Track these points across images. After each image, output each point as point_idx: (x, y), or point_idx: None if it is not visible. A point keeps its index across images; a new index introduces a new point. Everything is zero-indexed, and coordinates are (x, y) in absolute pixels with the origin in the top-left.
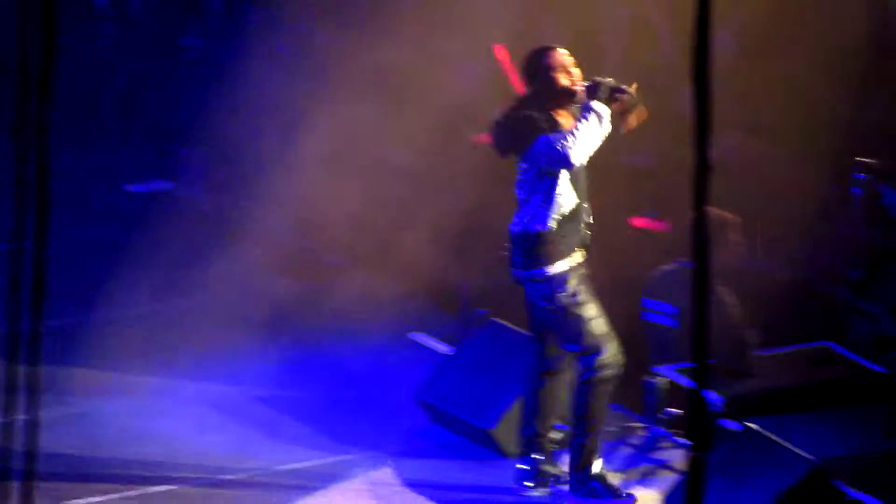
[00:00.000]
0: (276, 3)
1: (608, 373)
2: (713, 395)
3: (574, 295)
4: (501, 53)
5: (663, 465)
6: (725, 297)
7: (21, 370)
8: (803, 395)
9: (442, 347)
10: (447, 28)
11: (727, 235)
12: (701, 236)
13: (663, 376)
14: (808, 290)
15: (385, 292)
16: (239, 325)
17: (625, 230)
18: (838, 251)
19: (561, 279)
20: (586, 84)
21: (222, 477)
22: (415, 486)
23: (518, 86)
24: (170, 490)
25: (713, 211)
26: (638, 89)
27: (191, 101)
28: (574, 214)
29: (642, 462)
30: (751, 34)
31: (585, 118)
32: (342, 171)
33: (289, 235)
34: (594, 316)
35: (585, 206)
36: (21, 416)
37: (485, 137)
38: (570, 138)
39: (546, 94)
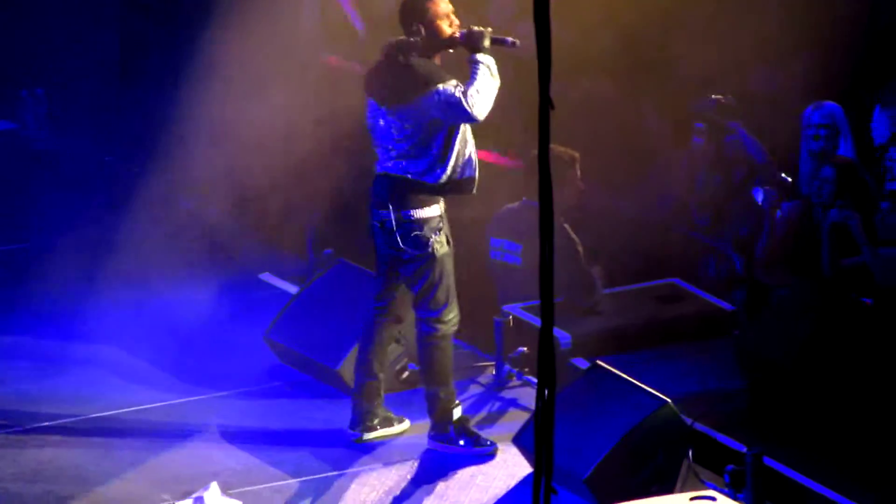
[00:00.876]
0: None
1: (452, 329)
2: (561, 333)
3: (440, 244)
4: None
5: (513, 403)
6: (571, 234)
7: None
8: (651, 332)
9: (291, 288)
10: None
11: (567, 172)
12: (546, 174)
13: (511, 314)
14: (655, 227)
15: (237, 235)
16: (86, 267)
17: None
18: (682, 190)
19: (434, 226)
20: (466, 33)
21: (71, 419)
22: (264, 425)
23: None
24: (32, 428)
25: (556, 148)
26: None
27: (32, 41)
28: (467, 165)
29: (492, 401)
30: None
31: (477, 70)
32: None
33: (144, 178)
34: (450, 271)
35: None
36: None
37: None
38: (472, 93)
39: (428, 43)
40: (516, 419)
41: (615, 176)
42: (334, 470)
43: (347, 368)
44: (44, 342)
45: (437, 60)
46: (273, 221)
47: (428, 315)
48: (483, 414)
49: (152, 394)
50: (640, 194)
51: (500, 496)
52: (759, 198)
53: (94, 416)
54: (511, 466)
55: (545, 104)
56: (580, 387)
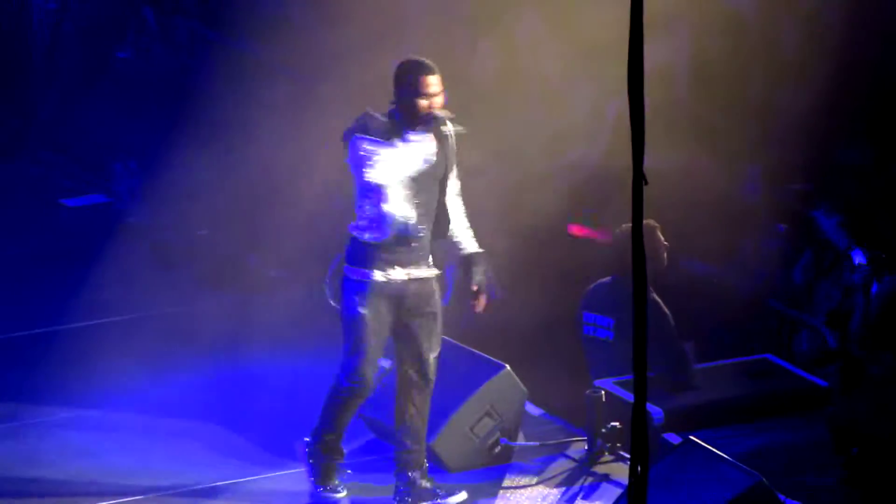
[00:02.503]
0: (209, 20)
1: (355, 387)
2: (653, 408)
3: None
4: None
5: (605, 479)
6: (663, 308)
7: None
8: (743, 408)
9: (384, 361)
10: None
11: (654, 240)
12: (639, 249)
13: (603, 389)
14: (748, 300)
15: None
16: (177, 339)
17: (563, 239)
18: (774, 264)
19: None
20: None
21: (162, 493)
22: (358, 500)
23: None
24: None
25: (647, 222)
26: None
27: (126, 114)
28: (403, 229)
29: (584, 475)
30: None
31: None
32: (280, 187)
33: (228, 249)
34: (361, 334)
35: (415, 222)
36: None
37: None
38: (373, 150)
39: (404, 114)
40: (609, 494)
41: (709, 245)
42: None
43: (441, 443)
44: (134, 416)
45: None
46: None
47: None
48: (575, 488)
49: (245, 468)
50: (733, 266)
51: None
52: (854, 274)
53: (185, 489)
54: None
55: (638, 179)
56: (672, 462)
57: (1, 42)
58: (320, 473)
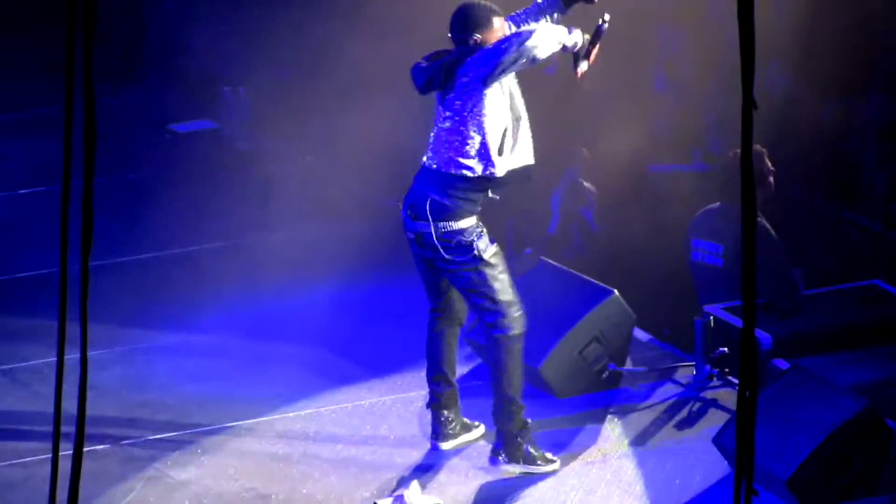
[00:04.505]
0: None
1: (518, 328)
2: (762, 334)
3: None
4: None
5: (713, 404)
6: (773, 234)
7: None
8: (852, 334)
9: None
10: None
11: (762, 168)
12: (748, 175)
13: (712, 315)
14: (849, 224)
15: None
16: (286, 264)
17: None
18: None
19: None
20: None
21: (268, 418)
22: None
23: None
24: (229, 427)
25: (755, 147)
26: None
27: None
28: (519, 162)
29: (692, 401)
30: None
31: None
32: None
33: (335, 177)
34: (500, 272)
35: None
36: (72, 355)
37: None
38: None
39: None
40: (716, 419)
41: (811, 172)
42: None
43: (549, 367)
44: (240, 341)
45: None
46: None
47: (492, 319)
48: (683, 414)
49: (351, 393)
50: (838, 189)
51: (699, 495)
52: None
53: (292, 414)
54: (711, 466)
55: (748, 104)
56: (780, 388)
57: None
58: (531, 444)
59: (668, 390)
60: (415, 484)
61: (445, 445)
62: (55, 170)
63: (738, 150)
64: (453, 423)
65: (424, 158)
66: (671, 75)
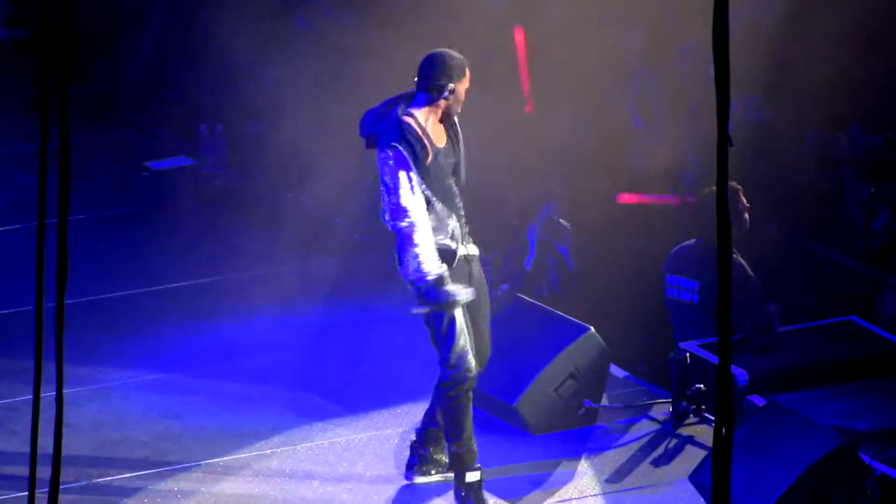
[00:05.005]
0: None
1: (466, 379)
2: (738, 371)
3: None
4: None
5: (689, 441)
6: (748, 271)
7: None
8: (828, 370)
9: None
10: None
11: (737, 205)
12: (724, 211)
13: (688, 351)
14: (832, 263)
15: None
16: (264, 300)
17: (634, 207)
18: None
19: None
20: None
21: (248, 455)
22: None
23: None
24: (205, 464)
25: (730, 184)
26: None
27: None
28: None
29: (668, 438)
30: None
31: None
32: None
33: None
34: (460, 321)
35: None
36: (48, 393)
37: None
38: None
39: (438, 106)
40: (693, 456)
41: (788, 208)
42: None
43: (525, 404)
44: (220, 378)
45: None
46: None
47: (443, 363)
48: (659, 451)
49: (327, 430)
50: (815, 225)
51: None
52: None
53: (268, 451)
54: None
55: (723, 140)
56: (757, 424)
57: (90, 6)
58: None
59: (645, 427)
60: None
61: (419, 480)
62: (31, 206)
63: (714, 187)
64: (430, 462)
65: None
66: (646, 114)
